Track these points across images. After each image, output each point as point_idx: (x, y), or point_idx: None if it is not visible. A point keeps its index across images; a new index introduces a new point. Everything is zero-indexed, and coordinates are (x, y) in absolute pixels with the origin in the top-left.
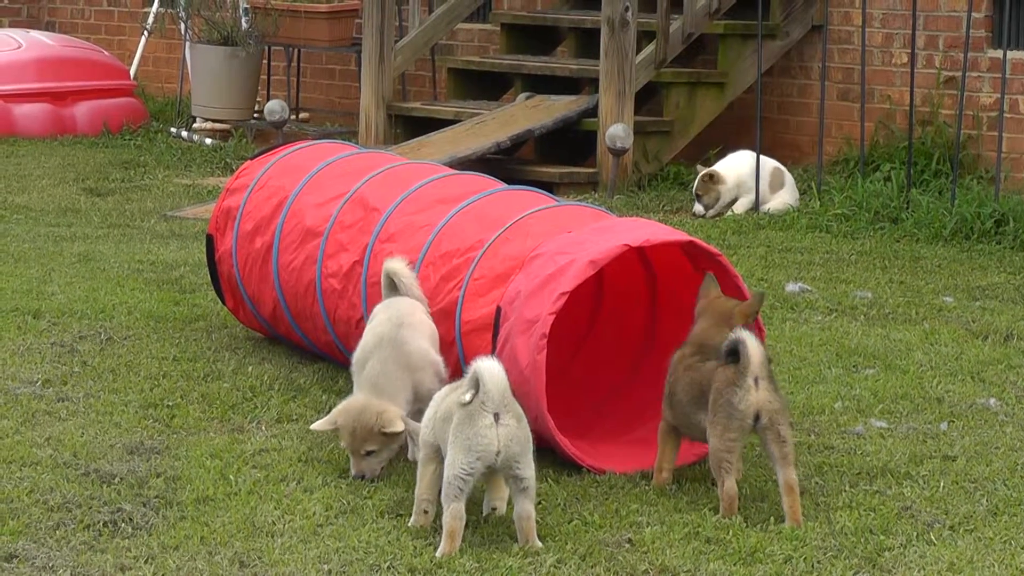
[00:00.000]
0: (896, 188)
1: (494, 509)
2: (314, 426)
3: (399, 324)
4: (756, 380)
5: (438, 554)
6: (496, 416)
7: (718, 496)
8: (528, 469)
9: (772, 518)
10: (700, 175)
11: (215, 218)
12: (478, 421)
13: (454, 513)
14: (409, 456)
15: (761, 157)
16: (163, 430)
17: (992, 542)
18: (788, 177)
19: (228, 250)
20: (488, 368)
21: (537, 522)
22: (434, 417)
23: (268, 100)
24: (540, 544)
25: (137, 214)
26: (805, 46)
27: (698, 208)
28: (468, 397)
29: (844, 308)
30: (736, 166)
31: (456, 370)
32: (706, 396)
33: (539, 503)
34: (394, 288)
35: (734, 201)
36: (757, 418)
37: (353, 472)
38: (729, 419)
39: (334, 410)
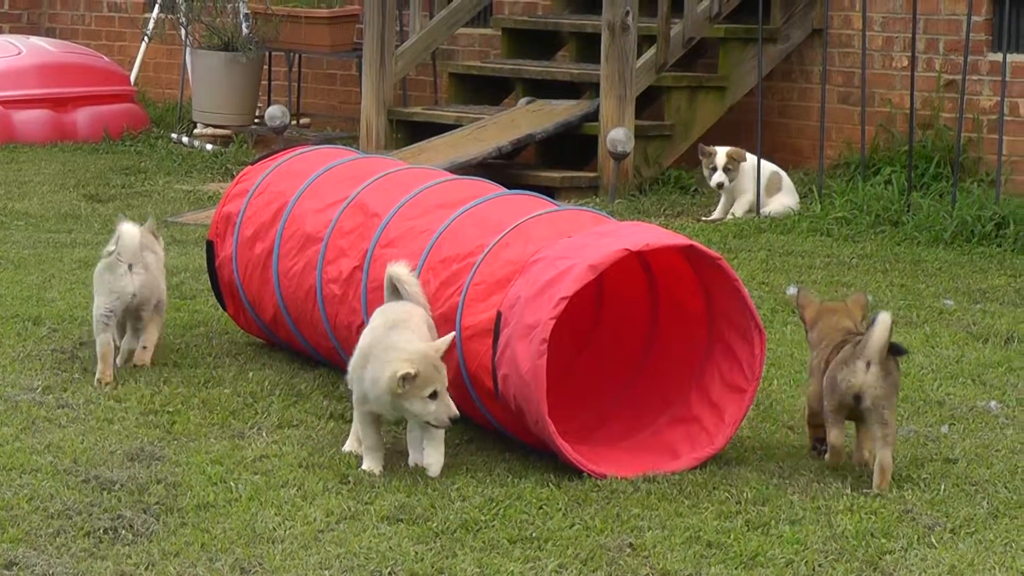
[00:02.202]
0: (897, 191)
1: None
2: (401, 372)
3: (391, 326)
4: (868, 364)
5: (96, 377)
6: (130, 266)
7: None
8: None
9: (773, 521)
10: (726, 151)
11: (215, 224)
12: (116, 270)
13: (103, 342)
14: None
15: (761, 161)
16: (163, 436)
17: (993, 545)
18: (786, 180)
19: (228, 256)
20: (126, 229)
21: (538, 527)
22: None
23: (269, 105)
24: None
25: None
26: (805, 50)
27: (724, 180)
28: (111, 248)
29: None
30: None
31: (456, 376)
32: None
33: (540, 507)
34: (396, 293)
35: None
36: (860, 399)
37: (455, 411)
38: (832, 393)
39: (403, 361)
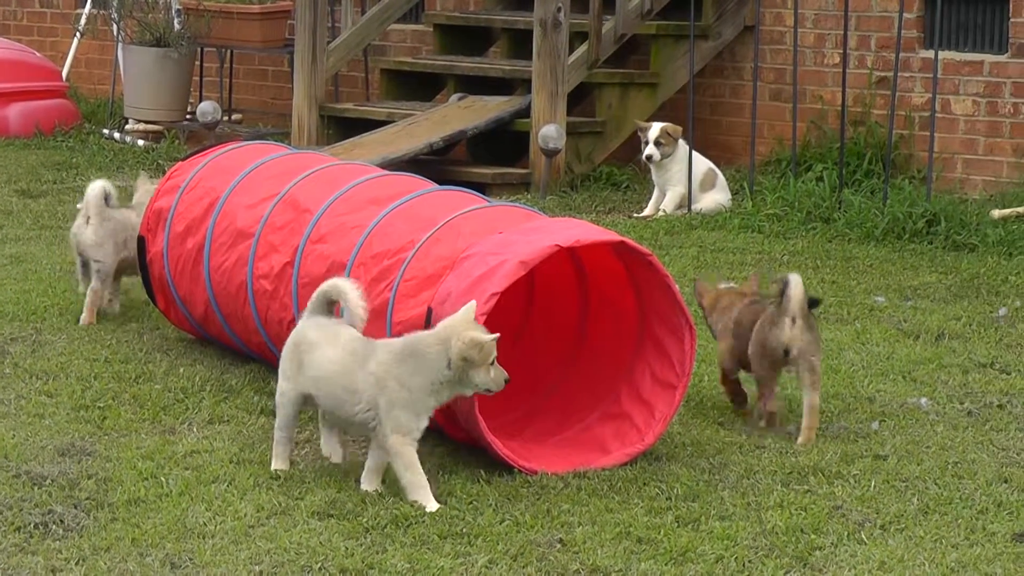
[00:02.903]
0: (828, 188)
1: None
2: (488, 338)
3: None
4: (793, 319)
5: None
6: (88, 218)
7: (758, 411)
8: None
9: (704, 517)
10: (661, 125)
11: (147, 219)
12: (76, 219)
13: (80, 291)
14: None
15: (695, 156)
16: (95, 432)
17: (923, 541)
18: (720, 178)
19: (160, 251)
20: (92, 185)
21: (468, 523)
22: None
23: (201, 101)
24: None
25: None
26: (737, 47)
27: (655, 153)
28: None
29: None
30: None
31: None
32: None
33: (471, 503)
34: (327, 306)
35: (673, 178)
36: (788, 352)
37: (507, 374)
38: (763, 355)
39: (474, 332)
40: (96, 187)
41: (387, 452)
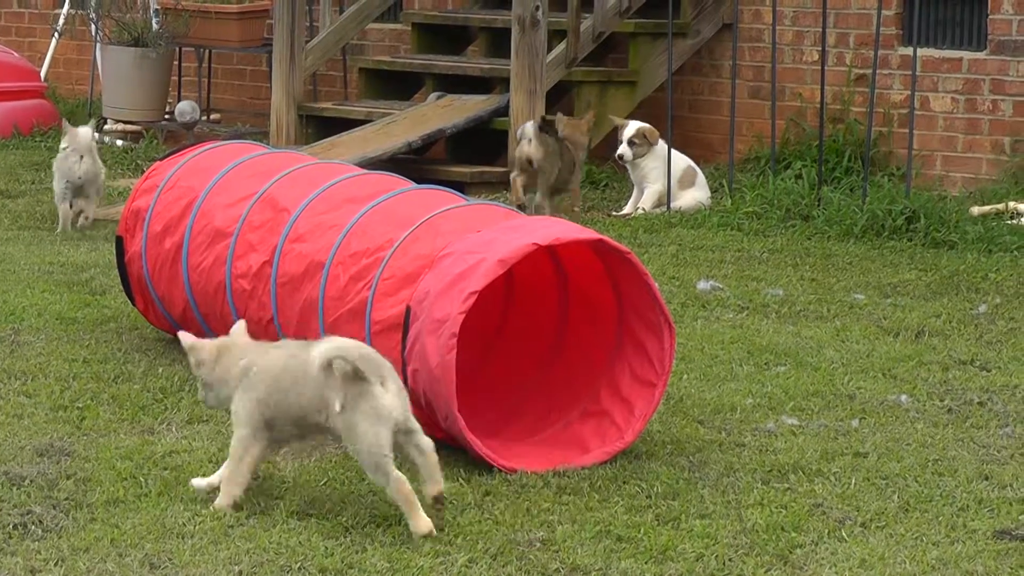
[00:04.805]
0: (807, 186)
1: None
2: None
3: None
4: (529, 140)
5: (57, 232)
6: (80, 156)
7: None
8: None
9: (684, 516)
10: (637, 126)
11: (124, 219)
12: (70, 159)
13: (63, 211)
14: None
15: (675, 154)
16: (73, 432)
17: (903, 538)
18: (700, 175)
19: (138, 251)
20: (81, 129)
21: (448, 522)
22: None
23: (179, 101)
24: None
25: (48, 216)
26: (716, 44)
27: (627, 152)
28: (64, 145)
29: (755, 306)
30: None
31: None
32: None
33: (450, 502)
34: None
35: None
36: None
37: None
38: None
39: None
40: (86, 133)
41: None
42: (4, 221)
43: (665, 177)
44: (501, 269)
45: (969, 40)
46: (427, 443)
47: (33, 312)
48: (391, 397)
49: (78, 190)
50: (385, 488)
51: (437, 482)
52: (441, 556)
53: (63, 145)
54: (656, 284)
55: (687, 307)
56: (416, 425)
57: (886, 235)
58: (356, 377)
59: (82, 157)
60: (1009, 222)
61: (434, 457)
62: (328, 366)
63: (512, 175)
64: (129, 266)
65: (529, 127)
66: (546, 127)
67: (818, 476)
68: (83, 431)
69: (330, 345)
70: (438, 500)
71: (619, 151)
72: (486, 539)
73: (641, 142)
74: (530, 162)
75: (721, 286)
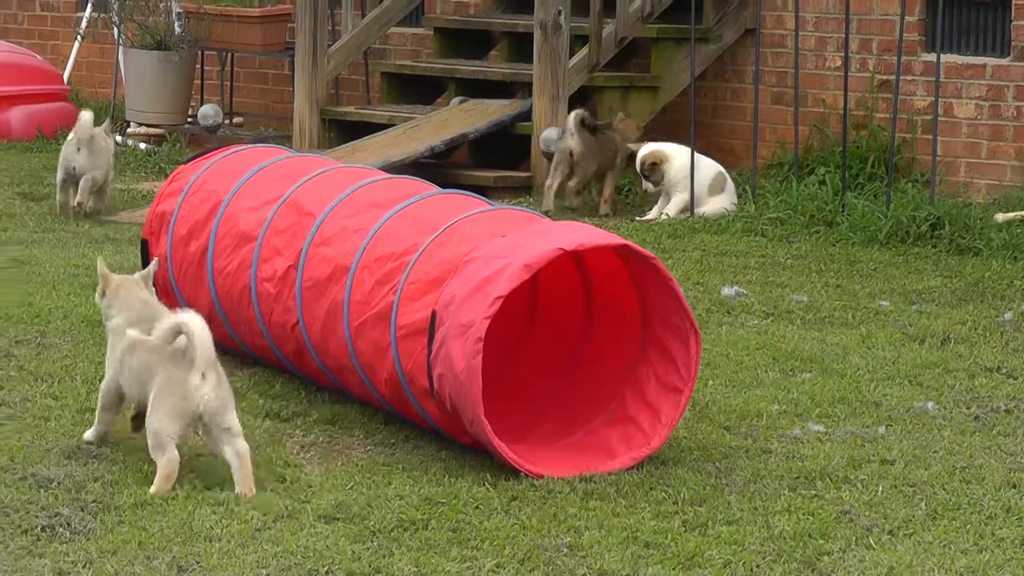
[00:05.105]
0: (831, 192)
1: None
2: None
3: None
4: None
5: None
6: (78, 147)
7: None
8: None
9: (711, 522)
10: (640, 156)
11: (149, 222)
12: (69, 147)
13: (60, 200)
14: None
15: (706, 160)
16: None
17: (931, 546)
18: (729, 182)
19: (163, 254)
20: (84, 115)
21: (475, 526)
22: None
23: (202, 104)
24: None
25: (71, 218)
26: (738, 50)
27: (650, 187)
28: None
29: (780, 312)
30: (684, 151)
31: (392, 375)
32: None
33: (477, 507)
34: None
35: (679, 184)
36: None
37: None
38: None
39: None
40: (86, 121)
41: None
42: (29, 223)
43: (690, 185)
44: (527, 274)
45: (993, 46)
46: (243, 448)
47: (59, 315)
48: (207, 389)
49: (72, 179)
50: (157, 461)
51: (247, 486)
52: (468, 561)
53: (71, 134)
54: (681, 290)
55: (712, 313)
56: (237, 427)
57: (911, 241)
58: (185, 357)
59: (79, 148)
60: None
61: (248, 463)
62: (174, 335)
63: (547, 183)
64: None
65: (571, 121)
66: (587, 122)
67: (845, 483)
68: (110, 433)
69: (185, 318)
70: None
71: (644, 186)
72: (513, 544)
73: (652, 170)
74: (571, 154)
75: (746, 292)
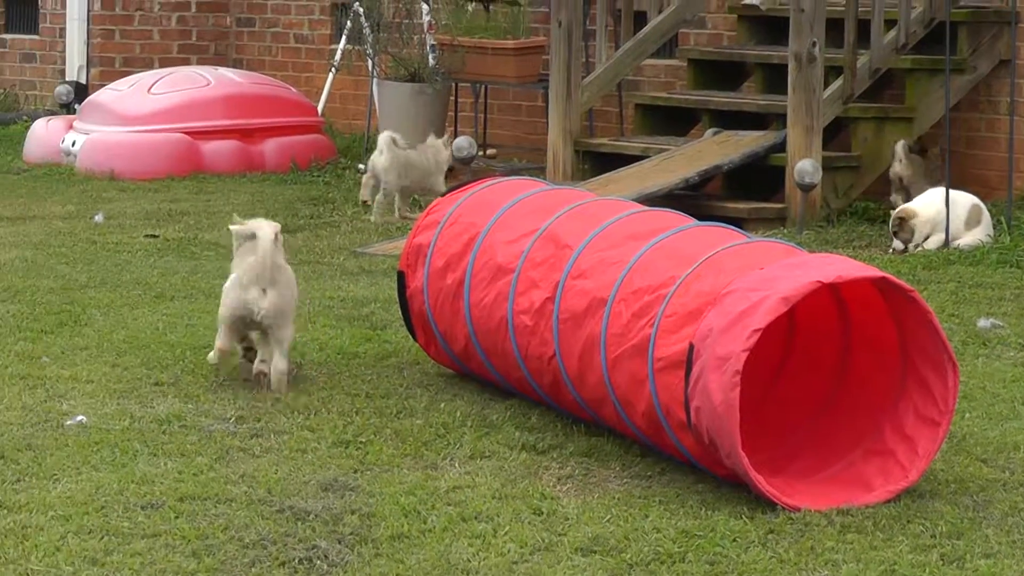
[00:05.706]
0: None
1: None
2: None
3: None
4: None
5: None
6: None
7: None
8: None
9: (969, 555)
10: (894, 216)
11: (406, 254)
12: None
13: None
14: None
15: (961, 193)
16: (357, 467)
17: None
18: (986, 215)
19: (419, 286)
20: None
21: (732, 559)
22: None
23: (456, 136)
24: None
25: (326, 250)
26: (993, 80)
27: (897, 244)
28: None
29: None
30: (932, 202)
31: (649, 408)
32: None
33: (734, 540)
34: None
35: (929, 236)
36: None
37: None
38: None
39: None
40: (385, 135)
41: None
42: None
43: (948, 222)
44: (784, 307)
45: None
46: (281, 367)
47: (315, 347)
48: (264, 303)
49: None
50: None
51: (280, 390)
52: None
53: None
54: (939, 322)
55: (967, 345)
56: (285, 346)
57: None
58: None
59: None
60: None
61: (282, 381)
62: (277, 237)
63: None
64: (411, 301)
65: (899, 148)
66: (915, 147)
67: None
68: (366, 466)
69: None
70: (263, 374)
71: (893, 245)
72: None
73: (900, 226)
74: (901, 180)
75: (1001, 324)
